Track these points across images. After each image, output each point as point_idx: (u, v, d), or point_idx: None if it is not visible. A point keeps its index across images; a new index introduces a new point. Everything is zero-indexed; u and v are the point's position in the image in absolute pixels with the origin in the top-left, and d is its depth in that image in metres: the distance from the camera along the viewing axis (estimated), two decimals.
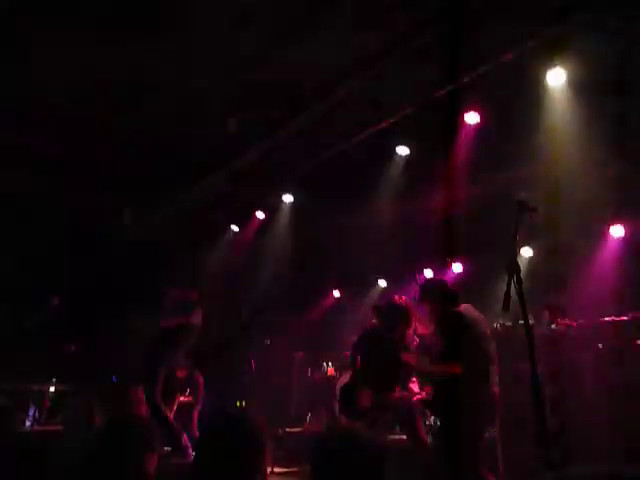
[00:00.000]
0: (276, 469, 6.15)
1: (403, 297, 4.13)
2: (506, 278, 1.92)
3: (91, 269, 7.61)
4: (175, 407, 5.90)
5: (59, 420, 5.74)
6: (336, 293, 8.65)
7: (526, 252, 6.25)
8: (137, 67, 5.01)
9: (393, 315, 4.01)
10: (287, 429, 7.20)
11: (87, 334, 6.57)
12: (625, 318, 4.40)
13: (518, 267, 1.93)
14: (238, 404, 4.46)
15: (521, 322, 2.08)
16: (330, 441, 1.39)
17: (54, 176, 6.77)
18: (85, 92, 5.38)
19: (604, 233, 5.64)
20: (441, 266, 7.35)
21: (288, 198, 7.16)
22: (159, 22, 4.54)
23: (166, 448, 3.66)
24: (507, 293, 1.89)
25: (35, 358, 5.84)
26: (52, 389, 6.89)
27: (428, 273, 7.45)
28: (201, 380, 6.46)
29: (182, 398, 6.03)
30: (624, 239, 5.56)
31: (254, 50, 4.94)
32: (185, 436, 3.70)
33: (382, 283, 8.05)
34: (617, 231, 5.56)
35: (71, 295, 7.27)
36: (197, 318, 4.75)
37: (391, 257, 7.95)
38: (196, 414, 5.58)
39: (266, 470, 1.55)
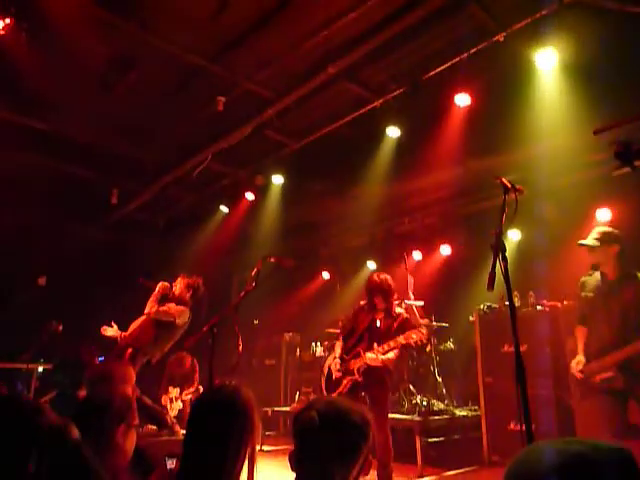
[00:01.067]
0: (265, 447, 6.24)
1: (381, 274, 4.19)
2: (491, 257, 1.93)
3: (76, 248, 7.56)
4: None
5: (47, 399, 5.75)
6: (325, 274, 8.68)
7: (514, 234, 6.29)
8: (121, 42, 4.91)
9: (368, 291, 4.15)
10: (276, 409, 7.29)
11: (74, 313, 6.54)
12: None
13: (503, 245, 1.94)
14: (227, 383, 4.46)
15: (506, 303, 2.10)
16: (309, 410, 1.41)
17: (40, 154, 6.66)
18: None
19: (590, 216, 5.68)
20: (429, 248, 7.41)
21: (278, 179, 7.12)
22: None
23: (152, 427, 3.69)
24: (492, 272, 1.90)
25: (23, 337, 5.82)
26: (40, 369, 6.89)
27: (416, 255, 7.50)
28: (196, 365, 6.50)
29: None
30: (610, 222, 5.60)
31: (242, 26, 4.87)
32: (169, 415, 3.73)
33: (371, 265, 8.07)
34: (604, 214, 5.59)
35: (59, 274, 7.23)
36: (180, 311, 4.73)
37: (380, 239, 7.98)
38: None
39: (254, 444, 1.56)
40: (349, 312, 4.55)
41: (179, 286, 4.86)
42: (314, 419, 1.38)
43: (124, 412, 1.91)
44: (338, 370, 4.09)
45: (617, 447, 0.82)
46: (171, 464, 2.14)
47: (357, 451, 1.38)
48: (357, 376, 3.98)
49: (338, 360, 4.14)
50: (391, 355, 3.93)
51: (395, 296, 4.28)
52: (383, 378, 3.97)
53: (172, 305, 4.70)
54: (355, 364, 4.04)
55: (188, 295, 4.83)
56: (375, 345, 3.97)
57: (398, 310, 4.21)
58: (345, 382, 4.05)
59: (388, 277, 4.19)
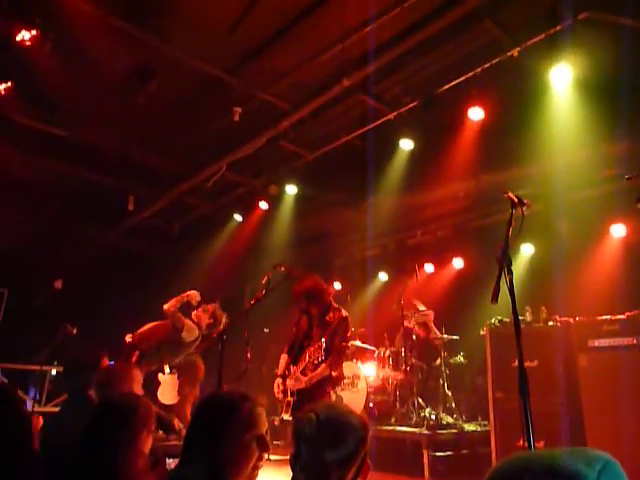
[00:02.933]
0: (272, 457, 6.23)
1: (306, 280, 4.01)
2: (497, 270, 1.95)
3: (92, 253, 7.68)
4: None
5: (59, 402, 5.82)
6: (337, 285, 8.68)
7: (528, 249, 6.26)
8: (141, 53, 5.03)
9: (298, 300, 4.05)
10: (284, 418, 7.28)
11: (89, 316, 6.64)
12: (621, 317, 4.42)
13: (509, 259, 1.96)
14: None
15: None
16: (309, 413, 1.43)
17: (59, 160, 6.82)
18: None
19: (605, 232, 5.64)
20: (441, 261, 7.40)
21: (291, 189, 7.18)
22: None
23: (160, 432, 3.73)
24: (496, 285, 1.92)
25: (37, 339, 5.92)
26: (54, 371, 6.98)
27: (429, 268, 7.49)
28: (202, 366, 6.52)
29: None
30: (625, 239, 5.56)
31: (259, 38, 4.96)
32: (177, 420, 3.77)
33: (383, 276, 8.07)
34: (618, 230, 5.55)
35: (75, 278, 7.35)
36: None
37: (392, 251, 7.98)
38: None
39: (248, 443, 1.57)
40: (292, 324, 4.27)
41: (205, 310, 4.81)
42: (312, 421, 1.41)
43: (148, 418, 1.97)
44: (280, 391, 3.83)
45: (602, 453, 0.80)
46: (171, 464, 2.17)
47: (354, 454, 1.40)
48: (290, 397, 3.77)
49: (279, 379, 3.87)
50: (319, 370, 3.72)
51: (329, 297, 4.03)
52: (315, 397, 3.66)
53: (188, 320, 4.73)
54: (289, 385, 3.81)
55: (207, 322, 4.76)
56: (298, 371, 3.79)
57: (332, 315, 3.93)
58: (284, 404, 3.80)
59: (315, 280, 3.99)
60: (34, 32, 4.39)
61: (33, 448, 2.01)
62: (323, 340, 3.80)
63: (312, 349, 3.84)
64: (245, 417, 1.57)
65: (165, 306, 4.62)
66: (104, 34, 4.69)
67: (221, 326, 4.76)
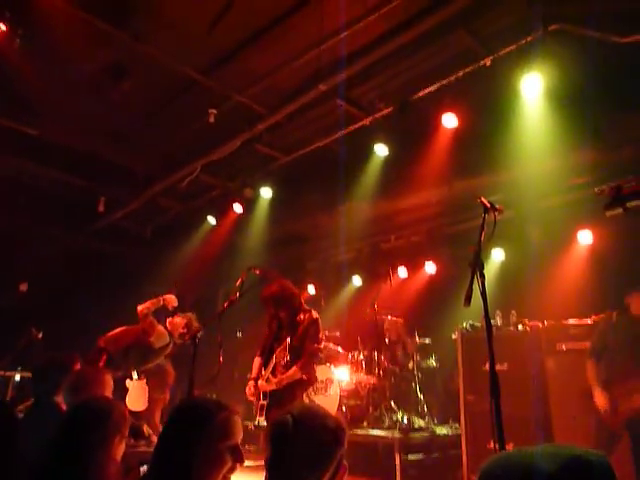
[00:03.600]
0: (246, 462, 6.17)
1: (273, 285, 3.98)
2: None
3: (60, 255, 7.49)
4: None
5: (22, 409, 5.63)
6: (311, 288, 8.68)
7: (498, 254, 6.37)
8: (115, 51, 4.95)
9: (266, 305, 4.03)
10: (256, 423, 7.22)
11: (55, 321, 6.47)
12: (587, 321, 4.55)
13: (482, 263, 1.99)
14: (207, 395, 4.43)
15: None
16: (285, 414, 1.42)
17: (29, 159, 6.64)
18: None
19: (572, 238, 5.79)
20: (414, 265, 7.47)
21: (267, 192, 7.15)
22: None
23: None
24: (469, 289, 1.95)
25: (1, 344, 5.73)
26: (17, 377, 6.76)
27: (402, 272, 7.56)
28: (171, 371, 6.42)
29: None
30: (592, 245, 5.71)
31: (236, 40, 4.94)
32: (146, 426, 3.70)
33: (357, 280, 8.10)
34: (585, 237, 5.70)
35: (41, 280, 7.15)
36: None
37: (366, 255, 8.02)
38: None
39: (222, 453, 1.54)
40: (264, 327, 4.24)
41: (181, 319, 4.75)
42: (288, 423, 1.40)
43: (121, 424, 1.93)
44: (252, 394, 3.81)
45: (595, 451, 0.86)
46: (144, 470, 2.13)
47: (329, 456, 1.39)
48: (262, 400, 3.74)
49: (252, 382, 3.85)
50: (289, 372, 3.72)
51: (298, 299, 4.02)
52: (288, 398, 3.64)
53: (160, 326, 4.65)
54: (260, 386, 3.80)
55: (179, 332, 4.70)
56: (270, 375, 3.79)
57: (302, 317, 3.93)
58: (258, 407, 3.76)
59: (282, 284, 3.97)
60: (3, 27, 4.27)
61: (19, 451, 1.96)
62: (288, 340, 3.80)
63: (278, 350, 3.84)
64: (220, 426, 1.54)
65: (139, 307, 4.54)
66: (76, 30, 4.60)
67: (193, 337, 4.68)
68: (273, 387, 3.71)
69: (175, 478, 1.45)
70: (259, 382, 3.81)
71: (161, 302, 4.64)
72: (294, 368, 3.71)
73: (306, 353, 3.76)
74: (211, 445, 1.50)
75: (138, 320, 4.66)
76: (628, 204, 2.29)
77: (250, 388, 3.83)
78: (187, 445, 1.47)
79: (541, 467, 0.82)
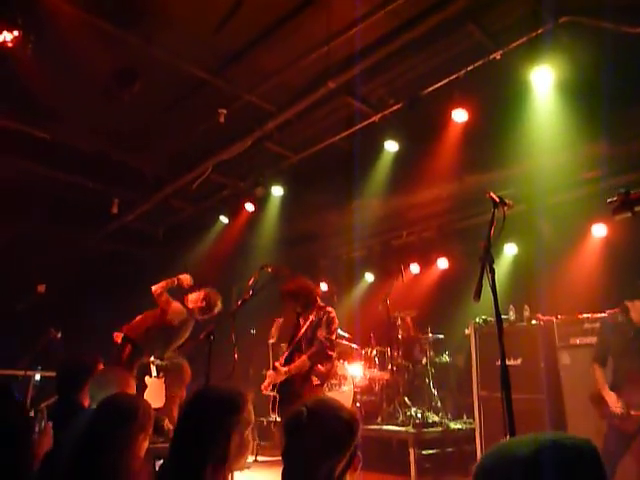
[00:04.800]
0: (259, 458, 6.24)
1: (291, 281, 4.08)
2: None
3: (75, 256, 7.60)
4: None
5: (43, 407, 5.73)
6: (323, 286, 8.70)
7: (511, 249, 6.33)
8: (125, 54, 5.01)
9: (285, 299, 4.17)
10: (270, 419, 7.28)
11: (73, 321, 6.57)
12: (602, 315, 4.51)
13: (491, 258, 2.00)
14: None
15: (503, 316, 2.14)
16: (300, 406, 1.46)
17: (42, 163, 6.74)
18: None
19: (586, 232, 5.74)
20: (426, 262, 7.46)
21: (278, 191, 7.18)
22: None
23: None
24: (479, 283, 1.96)
25: (20, 344, 5.84)
26: (37, 376, 6.87)
27: (414, 268, 7.55)
28: (188, 369, 6.48)
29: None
30: (605, 238, 5.67)
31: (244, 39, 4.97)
32: (167, 421, 3.75)
33: (369, 277, 8.11)
34: (599, 231, 5.65)
35: (59, 282, 7.27)
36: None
37: (378, 252, 8.03)
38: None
39: (241, 439, 1.61)
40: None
41: (197, 293, 4.65)
42: (302, 413, 1.43)
43: (147, 421, 1.98)
44: (265, 387, 3.84)
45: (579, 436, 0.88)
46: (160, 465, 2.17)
47: (344, 446, 1.42)
48: (273, 392, 3.78)
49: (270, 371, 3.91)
50: (297, 362, 3.76)
51: (315, 296, 4.10)
52: (298, 390, 3.70)
53: (176, 302, 4.65)
54: (269, 375, 3.86)
55: (199, 306, 4.59)
56: (279, 363, 3.85)
57: (318, 312, 4.00)
58: (271, 401, 3.80)
59: (301, 280, 4.06)
60: (16, 33, 4.33)
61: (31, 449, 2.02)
62: (302, 331, 3.88)
63: (295, 342, 3.95)
64: (248, 415, 1.64)
65: (153, 287, 4.57)
66: (87, 35, 4.66)
67: (215, 310, 4.61)
68: (282, 377, 3.76)
69: (192, 470, 1.49)
70: (268, 372, 3.88)
71: (175, 282, 4.63)
72: (303, 357, 3.78)
73: (317, 341, 3.82)
74: (242, 431, 1.59)
75: (156, 306, 4.69)
76: (636, 208, 2.29)
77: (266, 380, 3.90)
78: (215, 433, 1.53)
79: (518, 453, 0.85)
